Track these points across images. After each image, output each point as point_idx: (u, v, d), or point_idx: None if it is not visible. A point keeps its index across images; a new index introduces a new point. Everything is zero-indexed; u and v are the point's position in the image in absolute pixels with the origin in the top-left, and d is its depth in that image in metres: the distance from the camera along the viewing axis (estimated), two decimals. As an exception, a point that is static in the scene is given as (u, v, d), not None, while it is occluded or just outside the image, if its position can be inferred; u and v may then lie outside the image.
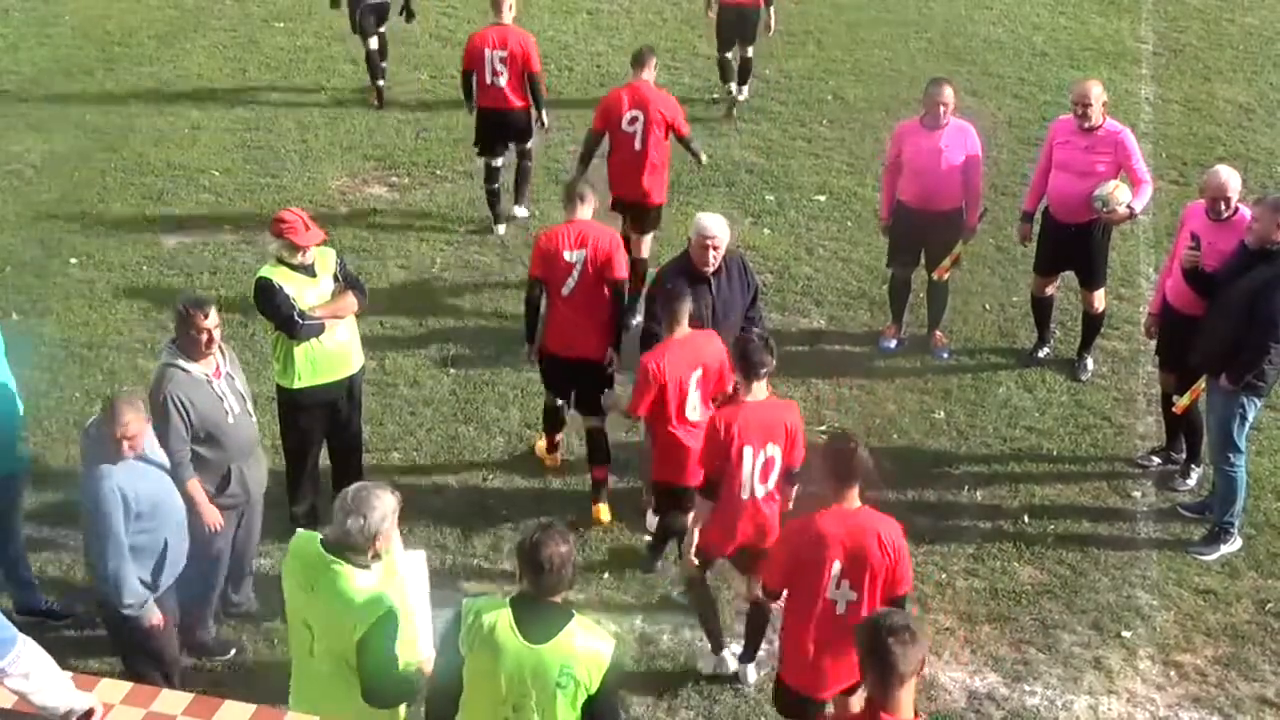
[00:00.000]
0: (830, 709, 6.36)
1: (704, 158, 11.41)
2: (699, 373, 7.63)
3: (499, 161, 11.85)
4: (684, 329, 7.65)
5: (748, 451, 6.86)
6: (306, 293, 7.74)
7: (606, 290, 8.47)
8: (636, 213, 10.50)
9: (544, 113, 11.72)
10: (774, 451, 6.93)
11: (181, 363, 6.99)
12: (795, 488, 7.22)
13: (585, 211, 8.59)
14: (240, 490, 7.32)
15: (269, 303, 7.70)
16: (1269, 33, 16.54)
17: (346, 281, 7.98)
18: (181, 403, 6.94)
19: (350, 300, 7.94)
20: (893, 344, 10.43)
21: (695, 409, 7.65)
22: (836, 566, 5.98)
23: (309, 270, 7.79)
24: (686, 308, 7.62)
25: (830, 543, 5.97)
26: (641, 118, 10.19)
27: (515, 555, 5.22)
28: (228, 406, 7.09)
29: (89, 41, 16.15)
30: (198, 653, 7.54)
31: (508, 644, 5.07)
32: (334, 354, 7.93)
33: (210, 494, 7.16)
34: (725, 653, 7.53)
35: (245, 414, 7.23)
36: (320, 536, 5.49)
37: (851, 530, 5.98)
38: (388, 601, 5.34)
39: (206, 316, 6.94)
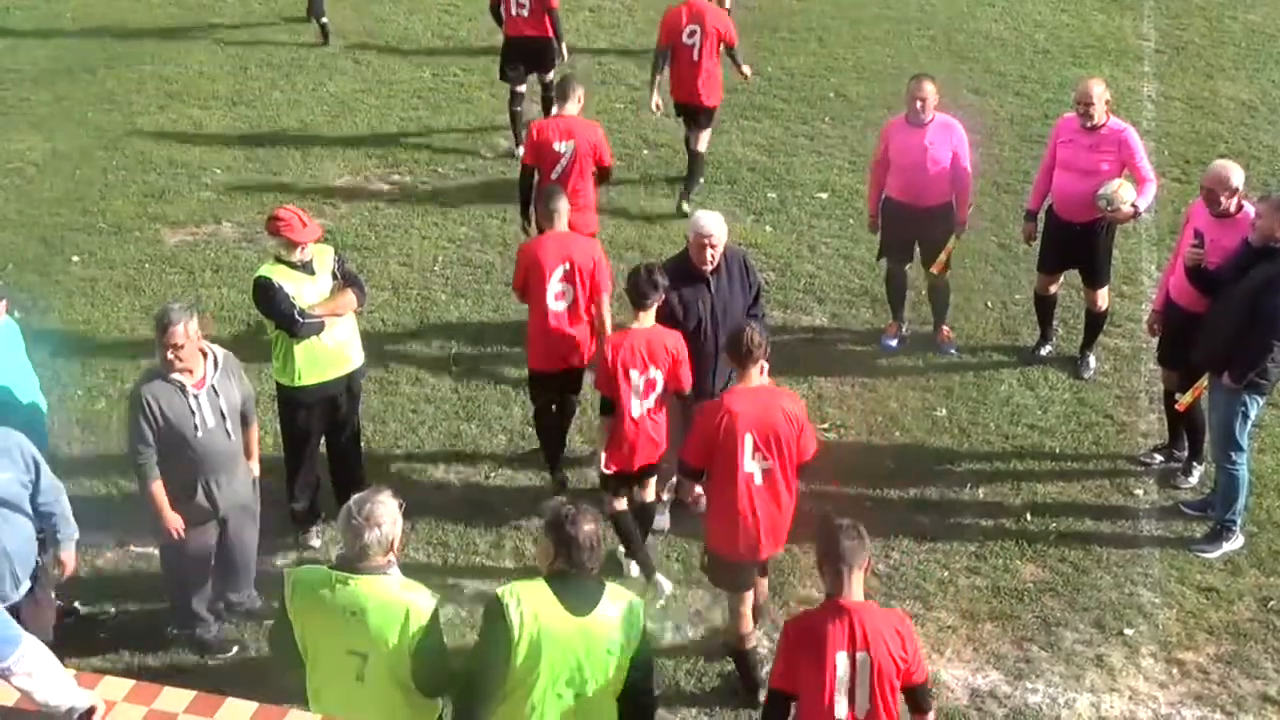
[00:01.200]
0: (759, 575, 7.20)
1: (748, 71, 12.75)
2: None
3: (521, 87, 12.99)
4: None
5: (633, 374, 7.55)
6: (305, 290, 7.74)
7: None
8: (692, 113, 12.15)
9: (563, 45, 12.91)
10: (655, 374, 7.57)
11: (161, 368, 7.00)
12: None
13: (572, 107, 10.02)
14: (207, 504, 7.18)
15: (268, 301, 7.70)
16: (1271, 30, 16.52)
17: (345, 279, 7.98)
18: (149, 405, 6.92)
19: (350, 298, 7.94)
20: (894, 342, 10.43)
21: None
22: (749, 439, 6.68)
23: (308, 268, 7.79)
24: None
25: (740, 419, 6.66)
26: (699, 30, 11.77)
27: (547, 534, 5.30)
28: (199, 420, 6.99)
29: (91, 40, 16.15)
30: (200, 650, 7.54)
31: (555, 622, 5.18)
32: (333, 352, 7.94)
33: (174, 502, 7.11)
34: (658, 576, 8.00)
35: (222, 430, 7.08)
36: (324, 569, 5.46)
37: (758, 406, 6.73)
38: (429, 595, 5.41)
39: (172, 332, 6.85)
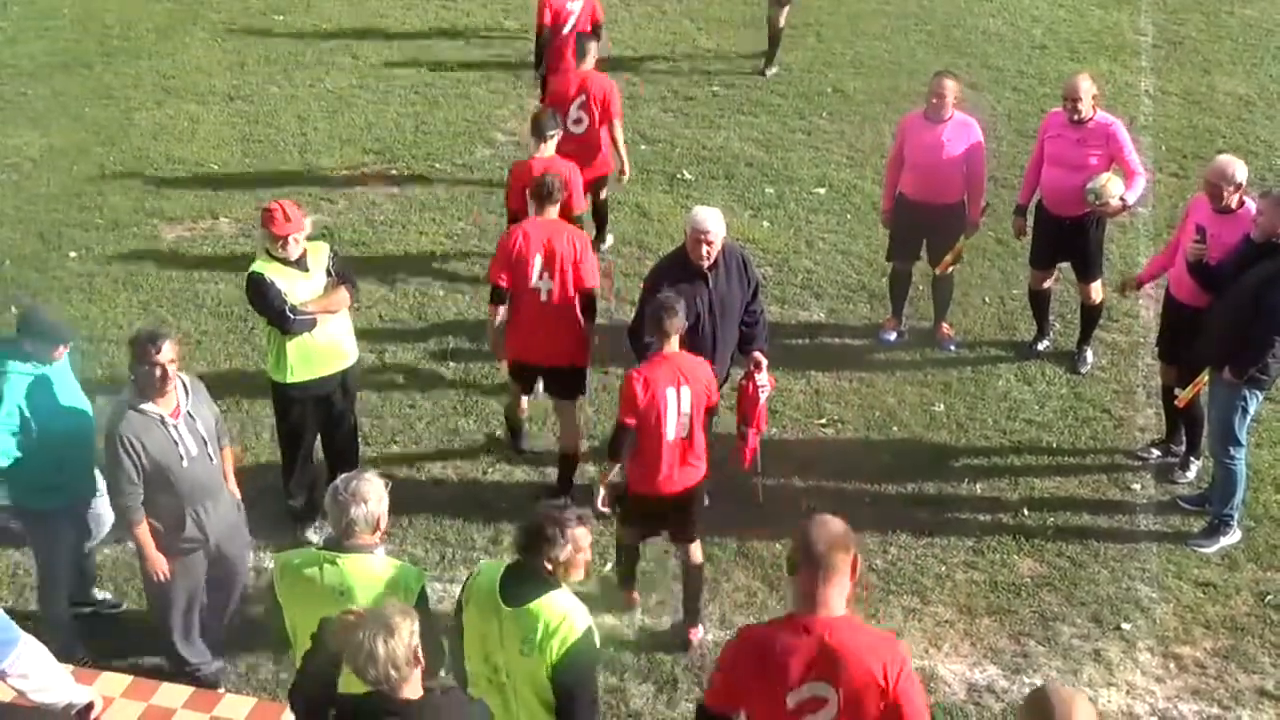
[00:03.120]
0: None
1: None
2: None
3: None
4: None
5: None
6: (299, 287, 7.72)
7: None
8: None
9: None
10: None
11: (139, 403, 6.68)
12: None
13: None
14: (198, 533, 6.94)
15: (260, 297, 7.68)
16: (1268, 25, 16.52)
17: (339, 276, 7.95)
18: (131, 444, 6.61)
19: (342, 295, 7.91)
20: (893, 336, 10.43)
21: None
22: (538, 260, 7.97)
23: (301, 264, 7.76)
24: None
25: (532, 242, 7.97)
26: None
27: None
28: (183, 450, 6.73)
29: (87, 35, 16.13)
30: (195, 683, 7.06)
31: (487, 603, 5.20)
32: (326, 348, 7.92)
33: (163, 537, 6.85)
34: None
35: (205, 455, 6.85)
36: (312, 550, 5.48)
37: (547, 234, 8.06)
38: (415, 573, 5.47)
39: (159, 350, 6.58)
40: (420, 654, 4.53)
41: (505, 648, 5.17)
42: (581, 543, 5.22)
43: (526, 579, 5.19)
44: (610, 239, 11.60)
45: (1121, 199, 9.30)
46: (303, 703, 4.91)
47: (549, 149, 9.64)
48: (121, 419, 6.65)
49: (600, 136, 10.76)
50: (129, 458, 6.62)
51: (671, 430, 7.19)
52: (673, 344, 7.25)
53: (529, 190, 8.70)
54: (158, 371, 6.60)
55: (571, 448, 8.70)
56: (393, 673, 4.46)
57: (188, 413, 6.80)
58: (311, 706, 4.84)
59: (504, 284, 8.30)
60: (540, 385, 8.79)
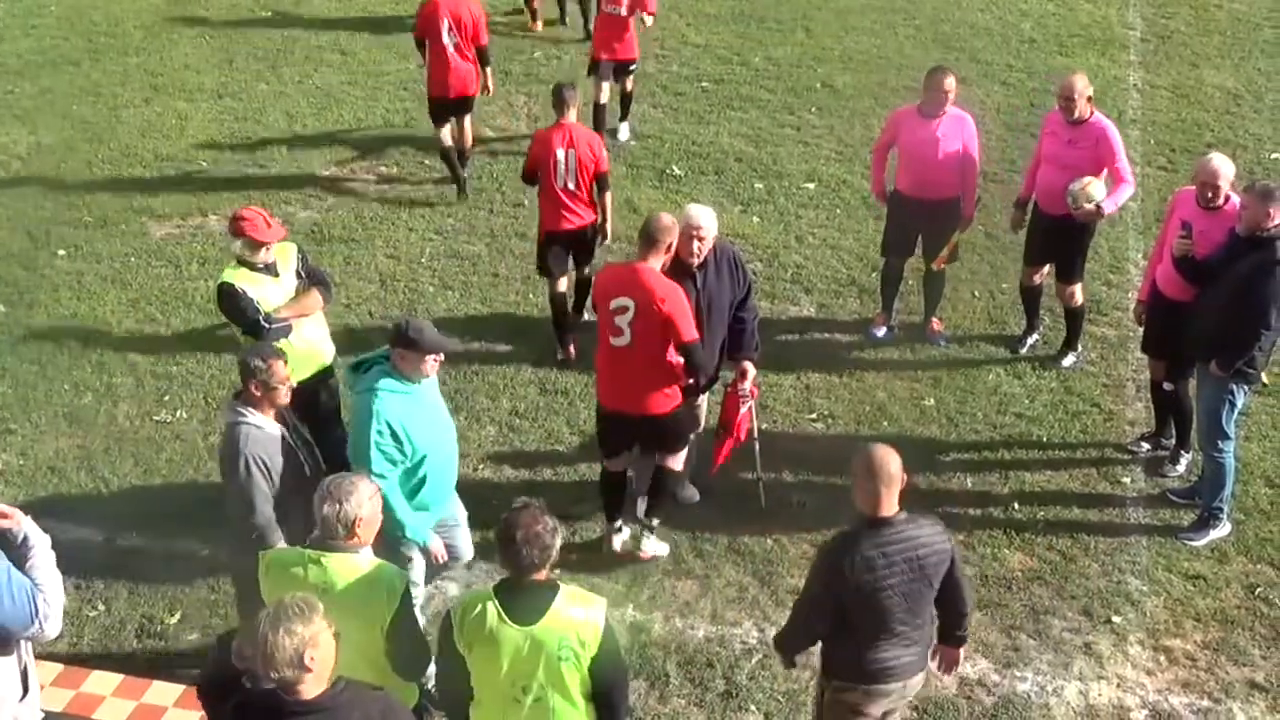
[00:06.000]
0: None
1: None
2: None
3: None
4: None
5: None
6: (270, 292, 7.61)
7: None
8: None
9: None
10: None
11: (253, 419, 6.48)
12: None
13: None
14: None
15: (233, 307, 7.58)
16: (1256, 19, 16.56)
17: (310, 277, 7.84)
18: (262, 461, 6.42)
19: (315, 297, 7.79)
20: (882, 332, 10.43)
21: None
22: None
23: (271, 270, 7.66)
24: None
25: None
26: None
27: (496, 536, 5.20)
28: (303, 458, 6.66)
29: (75, 32, 16.10)
30: None
31: (500, 632, 5.10)
32: (304, 353, 7.71)
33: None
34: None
35: (317, 463, 6.75)
36: (297, 549, 5.52)
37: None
38: (398, 572, 5.45)
39: (286, 364, 6.54)
40: (316, 660, 4.46)
41: (541, 662, 5.13)
42: (556, 538, 5.19)
43: (524, 592, 5.15)
44: (627, 132, 13.49)
45: (1098, 205, 9.25)
46: (207, 691, 4.90)
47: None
48: (245, 439, 6.44)
49: (629, 22, 12.89)
50: (261, 475, 6.45)
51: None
52: (570, 115, 9.67)
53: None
54: (285, 388, 6.57)
55: None
56: (288, 672, 4.45)
57: (293, 423, 6.80)
58: (215, 696, 4.84)
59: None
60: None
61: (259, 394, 6.46)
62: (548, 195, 9.87)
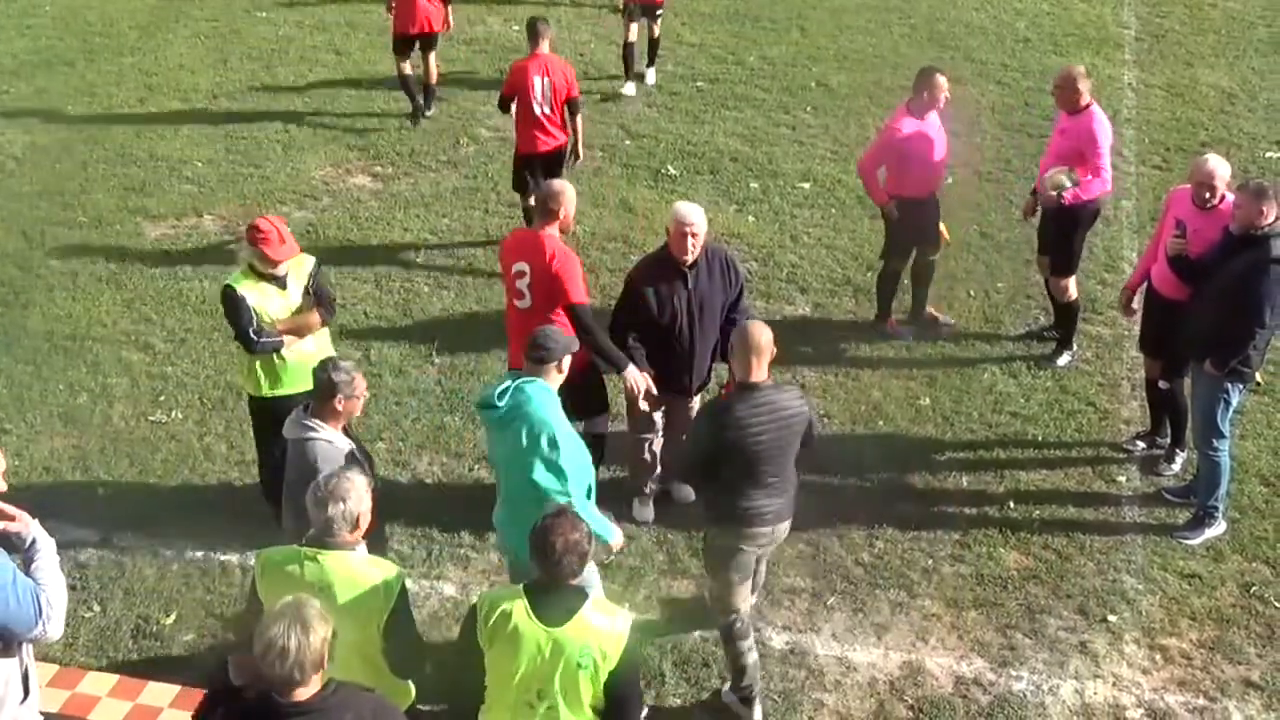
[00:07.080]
0: None
1: None
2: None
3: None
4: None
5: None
6: (272, 302, 7.58)
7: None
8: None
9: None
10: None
11: (324, 433, 6.43)
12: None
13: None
14: None
15: (231, 313, 7.57)
16: (1250, 18, 16.59)
17: (317, 295, 7.79)
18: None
19: (314, 319, 7.73)
20: (905, 331, 10.41)
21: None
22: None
23: (280, 281, 7.63)
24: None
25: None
26: None
27: (529, 541, 5.21)
28: (367, 472, 6.44)
29: (69, 32, 16.08)
30: None
31: (526, 630, 5.12)
32: (295, 367, 7.64)
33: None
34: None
35: (374, 478, 6.49)
36: (293, 547, 5.49)
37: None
38: (395, 571, 5.44)
39: (363, 377, 6.54)
40: (315, 664, 4.49)
41: (560, 667, 5.13)
42: (591, 544, 5.25)
43: (555, 594, 5.16)
44: (653, 76, 14.50)
45: (1061, 195, 9.32)
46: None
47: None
48: (319, 456, 6.38)
49: None
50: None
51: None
52: (544, 46, 10.81)
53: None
54: (363, 401, 6.60)
55: None
56: (296, 674, 4.45)
57: (353, 439, 6.84)
58: (207, 699, 4.85)
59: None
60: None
61: (340, 408, 6.44)
62: (525, 119, 10.94)
